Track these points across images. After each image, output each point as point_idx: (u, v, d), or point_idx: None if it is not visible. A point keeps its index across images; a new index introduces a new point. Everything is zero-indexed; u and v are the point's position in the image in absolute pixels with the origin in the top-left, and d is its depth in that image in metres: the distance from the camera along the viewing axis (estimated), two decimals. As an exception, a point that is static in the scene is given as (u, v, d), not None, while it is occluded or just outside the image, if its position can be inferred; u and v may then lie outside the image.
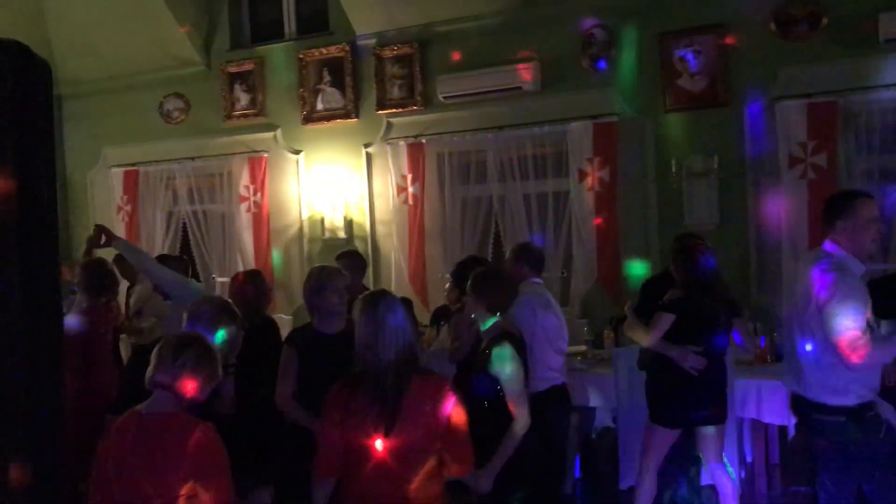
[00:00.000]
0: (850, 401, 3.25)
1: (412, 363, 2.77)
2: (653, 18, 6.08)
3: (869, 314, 3.23)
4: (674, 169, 6.06)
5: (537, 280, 4.49)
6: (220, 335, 3.38)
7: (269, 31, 7.88)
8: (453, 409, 2.74)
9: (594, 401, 5.11)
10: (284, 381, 3.73)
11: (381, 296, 2.87)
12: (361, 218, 7.29)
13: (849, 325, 3.15)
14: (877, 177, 5.61)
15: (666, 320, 4.10)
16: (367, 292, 2.97)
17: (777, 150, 5.74)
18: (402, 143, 7.01)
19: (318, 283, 3.79)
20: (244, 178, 7.67)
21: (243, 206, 7.68)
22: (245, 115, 7.74)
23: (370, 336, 2.74)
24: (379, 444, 2.66)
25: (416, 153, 6.95)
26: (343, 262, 5.16)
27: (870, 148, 5.58)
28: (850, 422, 3.24)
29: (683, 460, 4.39)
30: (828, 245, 3.33)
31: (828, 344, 3.26)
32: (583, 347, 5.61)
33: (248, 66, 7.71)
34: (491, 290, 3.60)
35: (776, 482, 4.85)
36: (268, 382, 3.80)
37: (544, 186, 6.57)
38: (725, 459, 4.29)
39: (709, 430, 4.17)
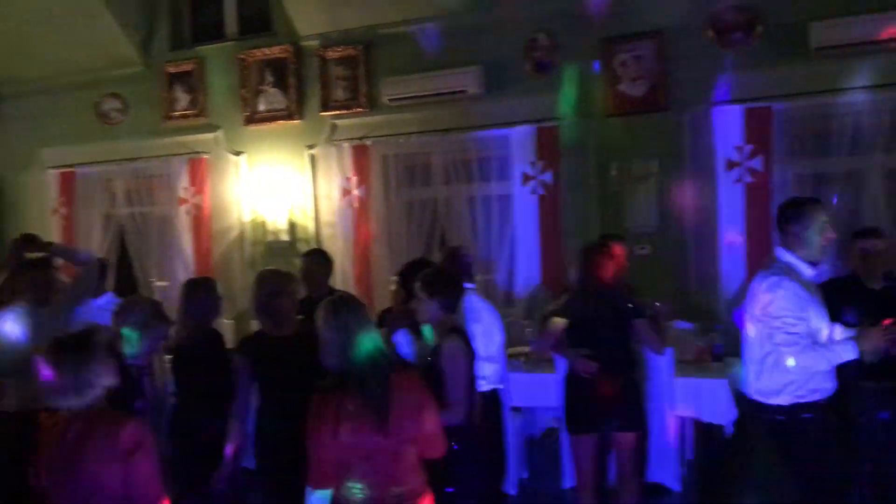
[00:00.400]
0: (784, 401, 3.37)
1: (388, 361, 2.79)
2: (595, 24, 6.17)
3: (817, 319, 3.37)
4: (615, 172, 6.16)
5: (468, 285, 4.51)
6: (129, 333, 3.36)
7: (210, 31, 7.77)
8: (428, 397, 2.82)
9: (538, 401, 5.15)
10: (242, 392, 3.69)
11: (343, 301, 2.89)
12: (305, 220, 7.23)
13: (785, 328, 3.29)
14: (809, 181, 5.79)
15: (556, 326, 4.20)
16: (328, 298, 2.96)
17: (714, 154, 5.88)
18: (346, 144, 6.98)
19: (271, 287, 3.75)
20: (184, 180, 7.54)
21: (183, 209, 7.55)
22: (185, 116, 7.62)
23: (340, 342, 2.74)
24: (377, 444, 2.67)
25: (361, 155, 6.92)
26: (309, 260, 5.10)
27: (803, 152, 5.76)
28: (785, 421, 3.34)
29: None
30: (779, 250, 3.48)
31: (767, 345, 3.36)
32: (526, 348, 5.65)
33: (188, 67, 7.59)
34: (443, 289, 3.62)
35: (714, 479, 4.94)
36: (211, 401, 3.76)
37: (489, 189, 6.61)
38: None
39: (623, 437, 4.24)
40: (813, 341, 3.36)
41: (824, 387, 3.42)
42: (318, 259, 5.15)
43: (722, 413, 4.85)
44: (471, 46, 6.52)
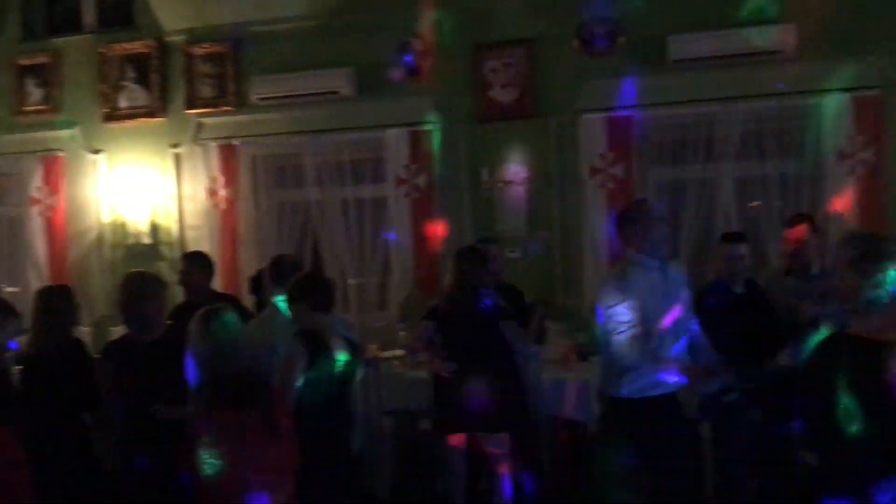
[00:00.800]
0: (621, 393, 3.58)
1: (262, 373, 2.73)
2: (466, 30, 6.25)
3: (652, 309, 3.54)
4: (486, 177, 6.26)
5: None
6: None
7: (66, 22, 7.34)
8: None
9: (414, 404, 5.16)
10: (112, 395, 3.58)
11: (215, 311, 2.83)
12: (169, 222, 6.96)
13: (614, 316, 3.51)
14: (668, 187, 6.09)
15: (425, 328, 4.35)
16: (201, 310, 2.87)
17: (580, 161, 6.08)
18: (213, 144, 6.76)
19: (137, 290, 3.61)
20: (37, 180, 7.09)
21: (35, 210, 7.10)
22: (38, 112, 7.17)
23: (211, 355, 2.66)
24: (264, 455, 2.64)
25: (228, 155, 6.72)
26: (188, 263, 4.91)
27: (661, 160, 6.05)
28: (616, 412, 3.57)
29: None
30: (626, 251, 3.71)
31: (608, 339, 3.58)
32: (401, 352, 5.66)
33: (42, 59, 7.15)
34: (311, 291, 3.56)
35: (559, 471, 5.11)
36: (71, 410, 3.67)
37: (362, 192, 6.57)
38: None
39: (492, 439, 4.33)
40: (646, 330, 3.53)
41: (668, 382, 3.58)
42: (198, 262, 4.98)
43: (586, 410, 5.02)
44: (343, 47, 6.47)
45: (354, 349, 3.70)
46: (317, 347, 3.45)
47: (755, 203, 5.88)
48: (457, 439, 4.41)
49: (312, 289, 3.61)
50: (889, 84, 5.49)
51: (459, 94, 6.33)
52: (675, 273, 3.75)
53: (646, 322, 3.53)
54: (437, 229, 6.30)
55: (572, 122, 6.09)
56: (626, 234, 3.71)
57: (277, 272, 4.22)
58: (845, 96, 5.51)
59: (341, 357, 3.51)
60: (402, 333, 5.86)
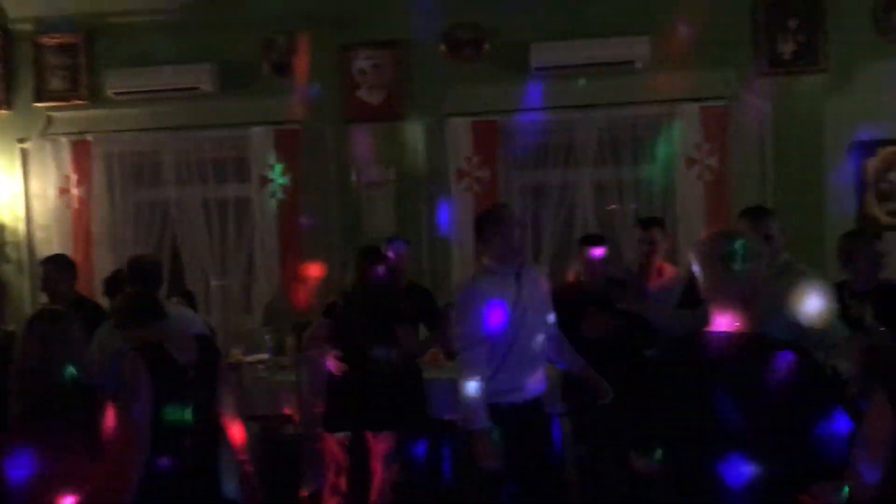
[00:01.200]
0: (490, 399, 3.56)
1: (93, 377, 2.60)
2: (334, 29, 6.20)
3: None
4: (354, 178, 6.24)
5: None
6: None
7: None
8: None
9: (280, 408, 5.09)
10: None
11: (43, 316, 2.70)
12: (15, 222, 6.55)
13: (458, 330, 3.59)
14: (530, 191, 6.26)
15: (321, 326, 4.39)
16: (34, 313, 2.72)
17: (447, 164, 6.16)
18: (64, 139, 6.41)
19: None
20: None
21: None
22: None
23: (37, 360, 2.51)
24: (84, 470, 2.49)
25: (81, 151, 6.39)
26: (48, 266, 4.65)
27: (524, 165, 6.21)
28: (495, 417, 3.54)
29: None
30: (483, 257, 3.74)
31: (465, 344, 3.61)
32: (265, 356, 5.57)
33: None
34: (133, 313, 3.40)
35: (447, 471, 5.17)
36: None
37: (225, 192, 6.40)
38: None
39: (376, 439, 4.37)
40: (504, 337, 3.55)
41: (528, 388, 3.63)
42: (59, 264, 4.73)
43: (454, 409, 5.09)
44: (204, 42, 6.27)
45: (209, 347, 3.58)
46: (158, 361, 3.26)
47: (612, 206, 6.13)
48: (343, 436, 4.39)
49: (133, 309, 3.40)
50: (734, 96, 5.86)
51: (327, 93, 6.27)
52: (533, 278, 3.79)
53: (501, 329, 3.56)
54: (304, 231, 6.23)
55: (439, 125, 6.16)
56: (484, 239, 3.73)
57: (136, 274, 4.07)
58: (694, 106, 5.84)
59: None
60: (267, 337, 5.75)
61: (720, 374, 2.12)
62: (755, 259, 2.17)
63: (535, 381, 3.69)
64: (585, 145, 5.99)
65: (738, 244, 2.17)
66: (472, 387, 3.50)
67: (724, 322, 2.18)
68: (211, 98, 6.29)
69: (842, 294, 3.90)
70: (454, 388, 4.90)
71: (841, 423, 2.04)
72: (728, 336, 2.17)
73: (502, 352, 3.58)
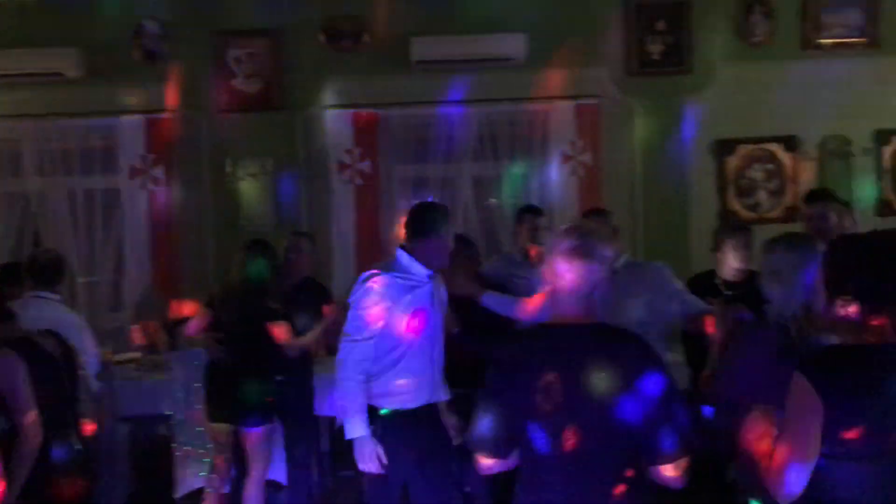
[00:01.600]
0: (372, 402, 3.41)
1: None
2: (207, 17, 6.02)
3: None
4: (229, 169, 6.09)
5: (47, 294, 4.24)
6: None
7: None
8: None
9: (152, 408, 4.95)
10: None
11: None
12: None
13: (349, 330, 3.39)
14: (412, 184, 6.28)
15: (200, 315, 4.48)
16: None
17: (327, 156, 6.10)
18: (-89, 126, 5.97)
19: None
20: None
21: None
22: None
23: None
24: None
25: (-69, 139, 5.96)
26: None
27: (405, 158, 6.22)
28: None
29: None
30: (398, 251, 3.49)
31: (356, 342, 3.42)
32: (137, 354, 5.37)
33: None
34: None
35: (326, 468, 5.16)
36: None
37: (92, 183, 6.11)
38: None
39: (246, 433, 4.34)
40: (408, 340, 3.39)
41: (402, 397, 3.41)
42: None
43: (334, 406, 5.07)
44: (70, 25, 5.96)
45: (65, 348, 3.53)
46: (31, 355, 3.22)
47: (491, 200, 6.24)
48: (221, 427, 4.38)
49: None
50: (605, 94, 6.06)
51: (201, 82, 6.09)
52: (439, 283, 3.57)
53: (410, 331, 3.38)
54: (177, 223, 6.04)
55: (319, 116, 6.09)
56: (422, 232, 3.45)
57: (34, 271, 4.24)
58: (569, 104, 6.01)
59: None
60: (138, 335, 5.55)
61: (563, 364, 2.15)
62: (594, 253, 2.22)
63: (436, 388, 3.52)
64: (465, 140, 6.06)
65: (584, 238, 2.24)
66: (350, 386, 3.36)
67: (566, 312, 2.23)
68: (77, 84, 5.98)
69: (710, 282, 4.13)
70: (331, 383, 4.95)
71: (679, 413, 2.14)
72: (570, 326, 2.22)
73: (403, 354, 3.39)
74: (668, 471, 2.14)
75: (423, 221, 3.48)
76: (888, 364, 2.03)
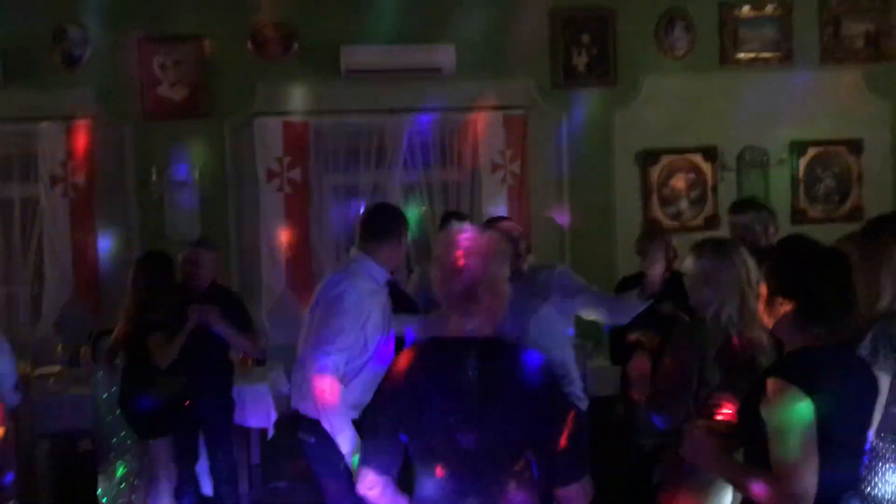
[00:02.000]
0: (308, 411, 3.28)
1: None
2: (130, 21, 5.90)
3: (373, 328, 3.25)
4: (154, 178, 5.97)
5: None
6: None
7: None
8: None
9: (73, 423, 4.83)
10: None
11: None
12: None
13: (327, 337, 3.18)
14: (342, 192, 6.27)
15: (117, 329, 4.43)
16: None
17: (256, 164, 6.03)
18: None
19: None
20: None
21: None
22: None
23: None
24: None
25: None
26: None
27: (335, 166, 6.20)
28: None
29: None
30: (360, 256, 3.34)
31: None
32: (56, 367, 5.22)
33: None
34: None
35: (257, 481, 5.10)
36: None
37: (10, 191, 5.91)
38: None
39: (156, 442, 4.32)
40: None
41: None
42: None
43: (266, 417, 5.03)
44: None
45: None
46: None
47: (422, 207, 6.27)
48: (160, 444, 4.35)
49: None
50: (531, 104, 6.17)
51: (124, 88, 5.96)
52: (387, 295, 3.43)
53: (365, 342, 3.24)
54: (100, 233, 5.88)
55: (247, 124, 6.02)
56: (383, 235, 3.32)
57: None
58: (497, 113, 6.09)
59: None
60: (59, 347, 5.38)
61: (451, 380, 2.09)
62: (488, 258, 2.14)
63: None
64: (395, 148, 6.08)
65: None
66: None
67: (458, 325, 2.15)
68: (-8, 89, 5.79)
69: (637, 283, 4.25)
70: (263, 395, 4.92)
71: (577, 434, 2.09)
72: (462, 340, 2.14)
73: (363, 366, 3.24)
74: (570, 493, 2.09)
75: (381, 223, 3.37)
76: (853, 363, 2.19)
